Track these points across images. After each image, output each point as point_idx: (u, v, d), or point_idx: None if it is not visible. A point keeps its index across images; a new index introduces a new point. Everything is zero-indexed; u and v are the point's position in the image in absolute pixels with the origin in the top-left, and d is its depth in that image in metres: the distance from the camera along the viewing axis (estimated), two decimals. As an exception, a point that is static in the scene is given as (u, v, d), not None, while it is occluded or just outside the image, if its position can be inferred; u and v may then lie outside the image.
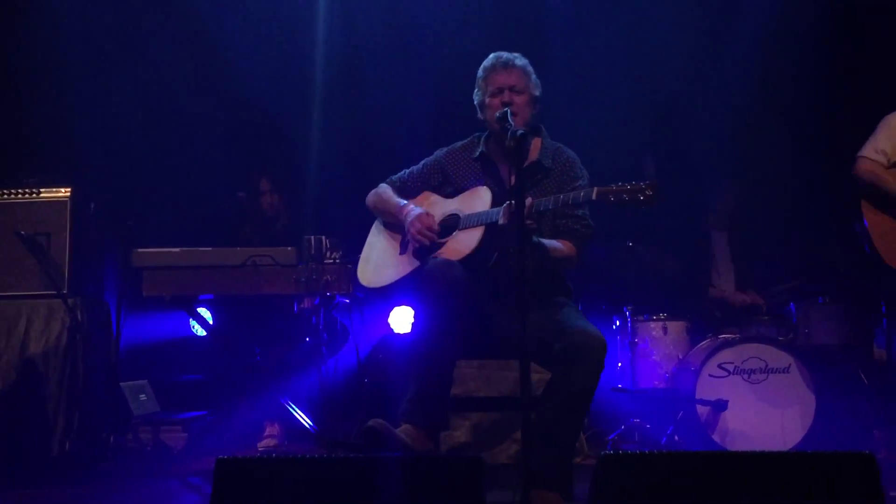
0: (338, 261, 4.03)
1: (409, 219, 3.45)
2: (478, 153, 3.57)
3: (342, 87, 6.05)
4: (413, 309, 3.40)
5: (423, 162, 3.70)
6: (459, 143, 3.69)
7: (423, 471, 2.31)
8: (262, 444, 4.70)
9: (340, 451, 4.05)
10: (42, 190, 4.36)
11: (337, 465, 2.35)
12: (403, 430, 3.06)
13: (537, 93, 3.49)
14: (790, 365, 4.36)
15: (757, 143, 5.85)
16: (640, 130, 5.83)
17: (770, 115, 5.85)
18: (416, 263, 3.40)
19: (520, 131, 2.82)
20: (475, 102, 3.56)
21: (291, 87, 5.97)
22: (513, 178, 2.69)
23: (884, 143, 4.09)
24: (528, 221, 2.98)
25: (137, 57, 5.74)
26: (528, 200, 3.05)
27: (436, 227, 3.42)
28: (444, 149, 3.70)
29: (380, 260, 3.58)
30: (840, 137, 4.55)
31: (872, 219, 4.05)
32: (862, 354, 4.77)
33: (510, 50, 3.55)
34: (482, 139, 3.61)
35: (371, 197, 3.70)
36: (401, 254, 3.52)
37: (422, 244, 3.39)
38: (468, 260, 3.25)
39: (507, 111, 3.17)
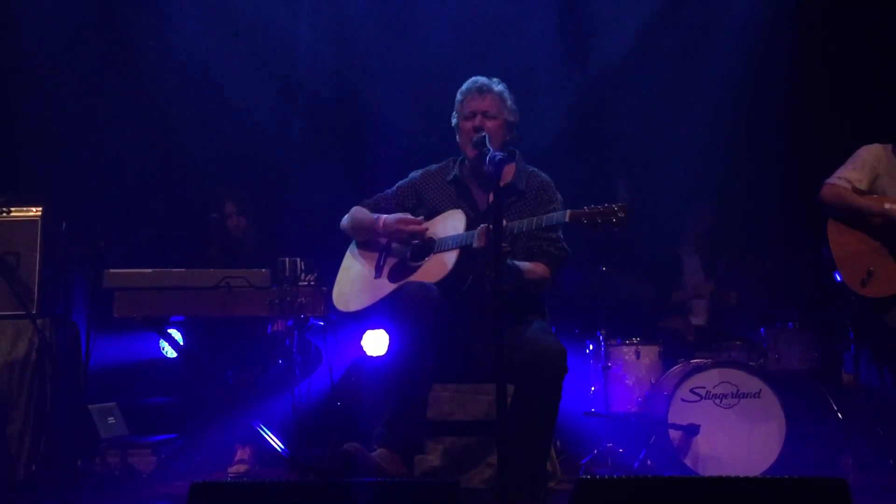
0: (312, 283, 4.00)
1: (388, 225, 3.47)
2: (451, 176, 3.59)
3: (322, 111, 6.06)
4: (388, 332, 3.39)
5: (396, 184, 3.71)
6: (434, 166, 3.70)
7: (399, 496, 2.30)
8: (233, 469, 4.63)
9: (314, 475, 4.01)
10: (13, 209, 4.30)
11: (311, 489, 2.33)
12: (377, 454, 3.05)
13: (512, 119, 3.51)
14: (761, 390, 4.39)
15: (729, 168, 5.93)
16: (614, 156, 5.89)
17: (742, 140, 5.95)
18: (392, 287, 3.40)
19: (499, 156, 2.83)
20: (452, 124, 3.58)
21: (270, 110, 5.97)
22: (490, 197, 2.69)
23: (851, 173, 4.12)
24: (503, 244, 2.99)
25: (112, 77, 5.71)
26: (503, 223, 3.06)
27: (416, 218, 3.45)
28: (419, 171, 3.71)
29: (355, 284, 3.57)
30: (811, 163, 4.62)
31: (837, 241, 4.09)
32: (831, 379, 4.83)
33: (489, 74, 3.57)
34: (457, 163, 3.62)
35: (346, 219, 3.70)
36: (376, 277, 3.51)
37: (412, 233, 3.41)
38: (443, 283, 3.26)
39: (484, 136, 3.18)
